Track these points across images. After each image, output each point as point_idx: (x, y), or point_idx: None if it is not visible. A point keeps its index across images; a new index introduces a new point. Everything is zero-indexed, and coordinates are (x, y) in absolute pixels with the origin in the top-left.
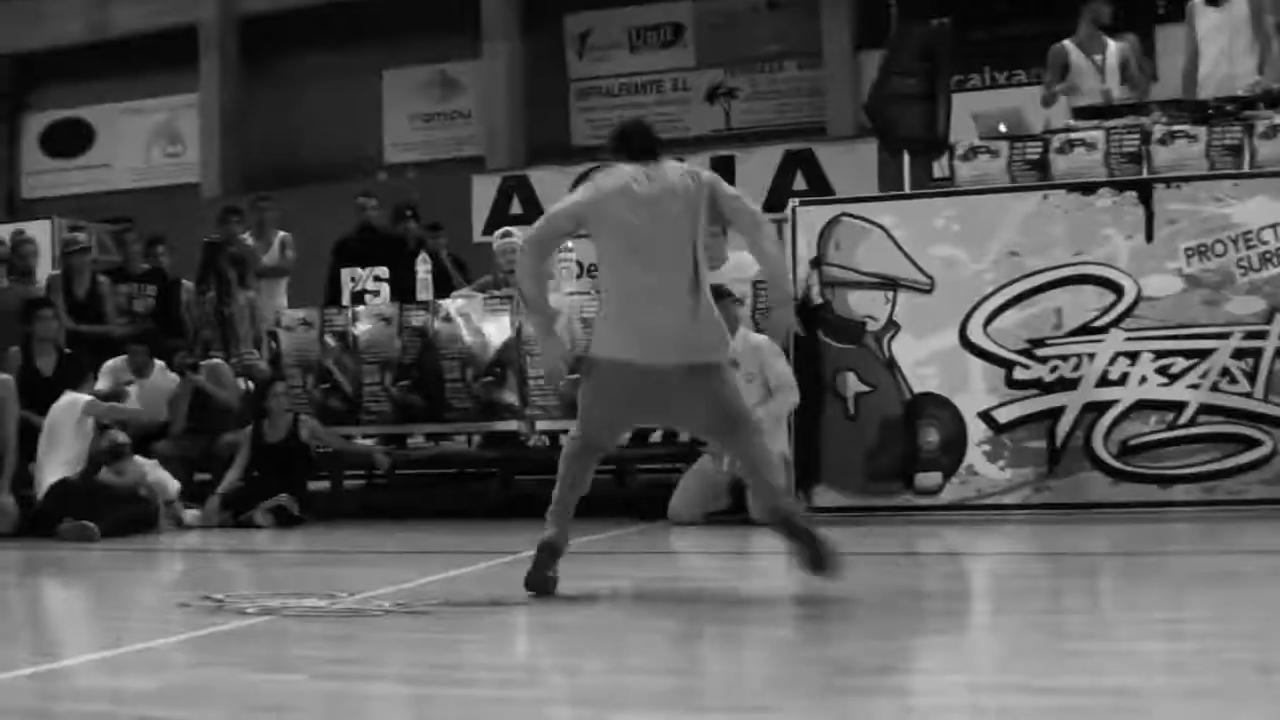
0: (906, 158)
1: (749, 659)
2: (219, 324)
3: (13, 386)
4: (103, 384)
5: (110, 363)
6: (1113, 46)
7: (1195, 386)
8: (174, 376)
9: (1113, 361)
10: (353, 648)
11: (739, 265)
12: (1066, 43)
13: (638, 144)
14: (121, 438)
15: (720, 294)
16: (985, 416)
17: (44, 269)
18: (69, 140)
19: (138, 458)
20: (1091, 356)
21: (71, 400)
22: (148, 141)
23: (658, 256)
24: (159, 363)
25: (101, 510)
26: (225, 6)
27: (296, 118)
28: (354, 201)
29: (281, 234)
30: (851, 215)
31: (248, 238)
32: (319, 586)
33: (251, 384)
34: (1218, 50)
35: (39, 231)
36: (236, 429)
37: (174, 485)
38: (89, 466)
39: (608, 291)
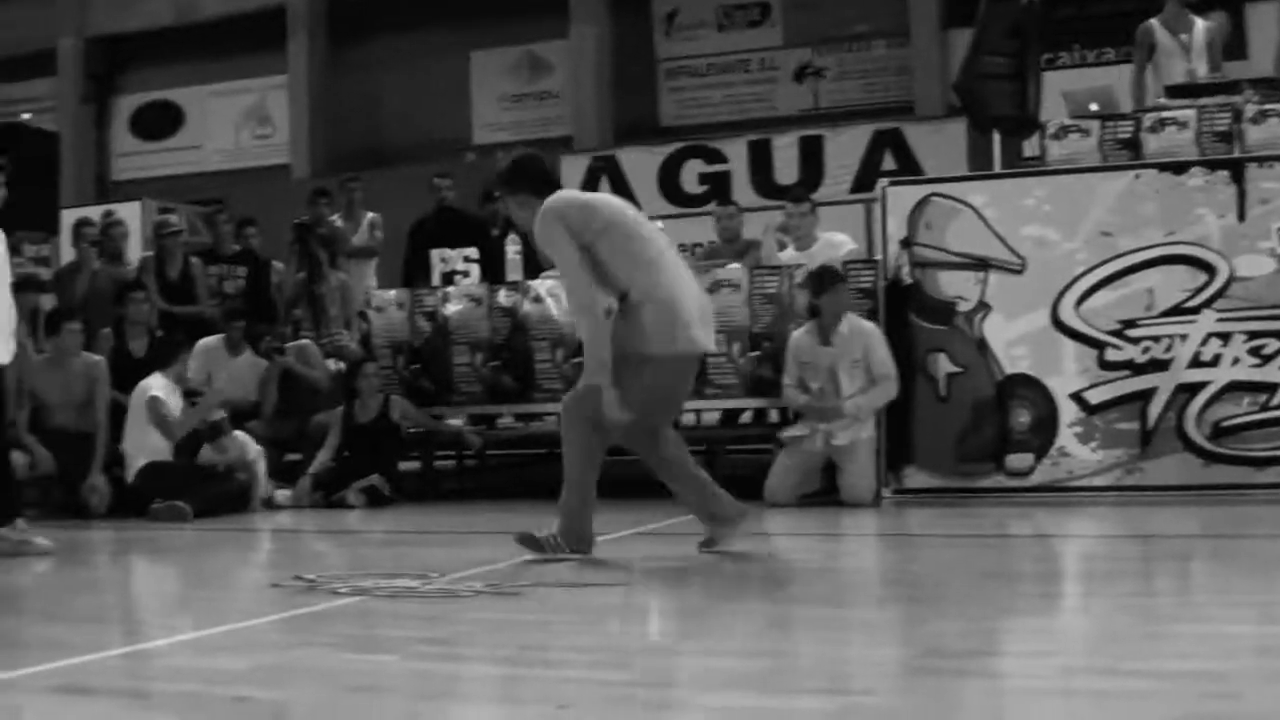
0: (997, 137)
1: (840, 640)
2: (309, 304)
3: (104, 368)
4: (194, 365)
5: (202, 342)
6: (1200, 25)
7: None
8: (261, 361)
9: (1205, 342)
10: (444, 628)
11: (830, 244)
12: (1153, 21)
13: (541, 175)
14: (218, 414)
15: (835, 278)
16: (1077, 398)
17: (134, 251)
18: (159, 122)
19: (239, 434)
20: (1184, 337)
21: (143, 389)
22: (237, 123)
23: (664, 257)
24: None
25: (194, 489)
26: None
27: (385, 98)
28: (429, 182)
29: (370, 215)
30: (942, 195)
31: (337, 219)
32: (410, 567)
33: (342, 365)
34: None
35: (129, 213)
36: (327, 409)
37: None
38: (187, 445)
39: (640, 292)
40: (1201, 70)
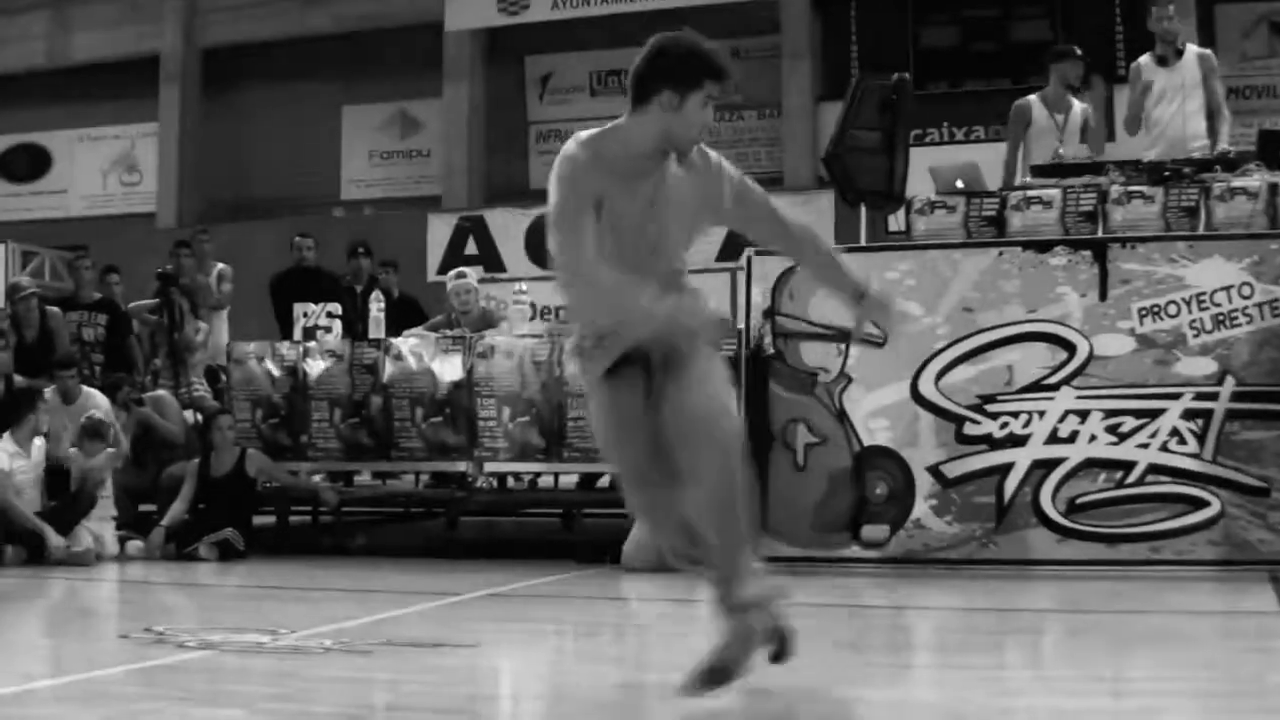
0: (864, 210)
1: (685, 710)
2: (169, 355)
3: None
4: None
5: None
6: (1076, 108)
7: (1144, 446)
8: (104, 400)
9: (1063, 419)
10: (292, 684)
11: None
12: (1032, 98)
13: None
14: (98, 415)
15: None
16: (934, 471)
17: None
18: (26, 165)
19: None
20: (1042, 414)
21: None
22: (104, 169)
23: None
24: (87, 389)
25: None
26: (187, 37)
27: (255, 151)
28: (291, 240)
29: (220, 266)
30: None
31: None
32: (261, 622)
33: (199, 416)
34: (1171, 111)
35: None
36: (183, 460)
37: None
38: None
39: None
40: (1070, 153)
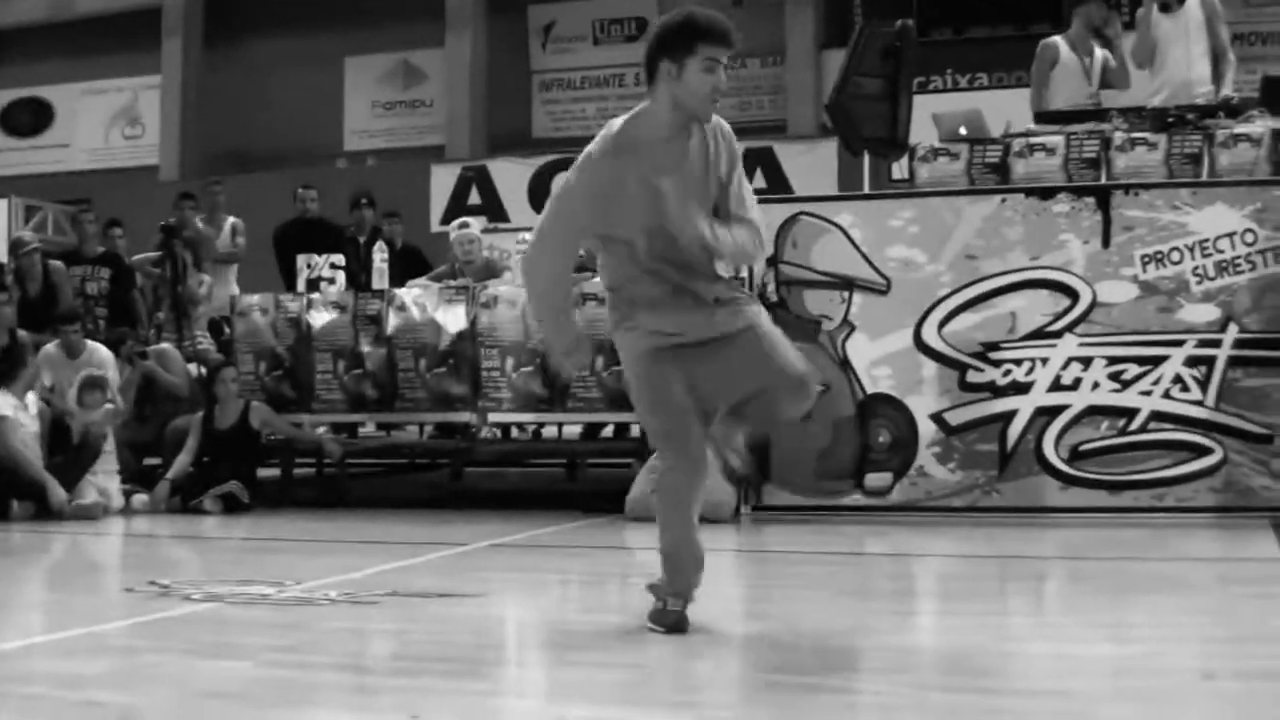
0: (867, 158)
1: (694, 654)
2: (173, 307)
3: None
4: (45, 373)
5: (43, 350)
6: (1098, 52)
7: (1147, 393)
8: (108, 354)
9: (1066, 366)
10: (298, 636)
11: None
12: (1058, 39)
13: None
14: (97, 372)
15: None
16: (937, 418)
17: (0, 248)
18: (28, 119)
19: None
20: (1045, 361)
21: None
22: (108, 123)
23: None
24: (91, 344)
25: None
26: None
27: (258, 102)
28: (294, 191)
29: (232, 220)
30: (810, 214)
31: (199, 222)
32: (266, 574)
33: (203, 369)
34: (1175, 56)
35: None
36: (187, 414)
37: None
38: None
39: None
40: (1098, 96)
